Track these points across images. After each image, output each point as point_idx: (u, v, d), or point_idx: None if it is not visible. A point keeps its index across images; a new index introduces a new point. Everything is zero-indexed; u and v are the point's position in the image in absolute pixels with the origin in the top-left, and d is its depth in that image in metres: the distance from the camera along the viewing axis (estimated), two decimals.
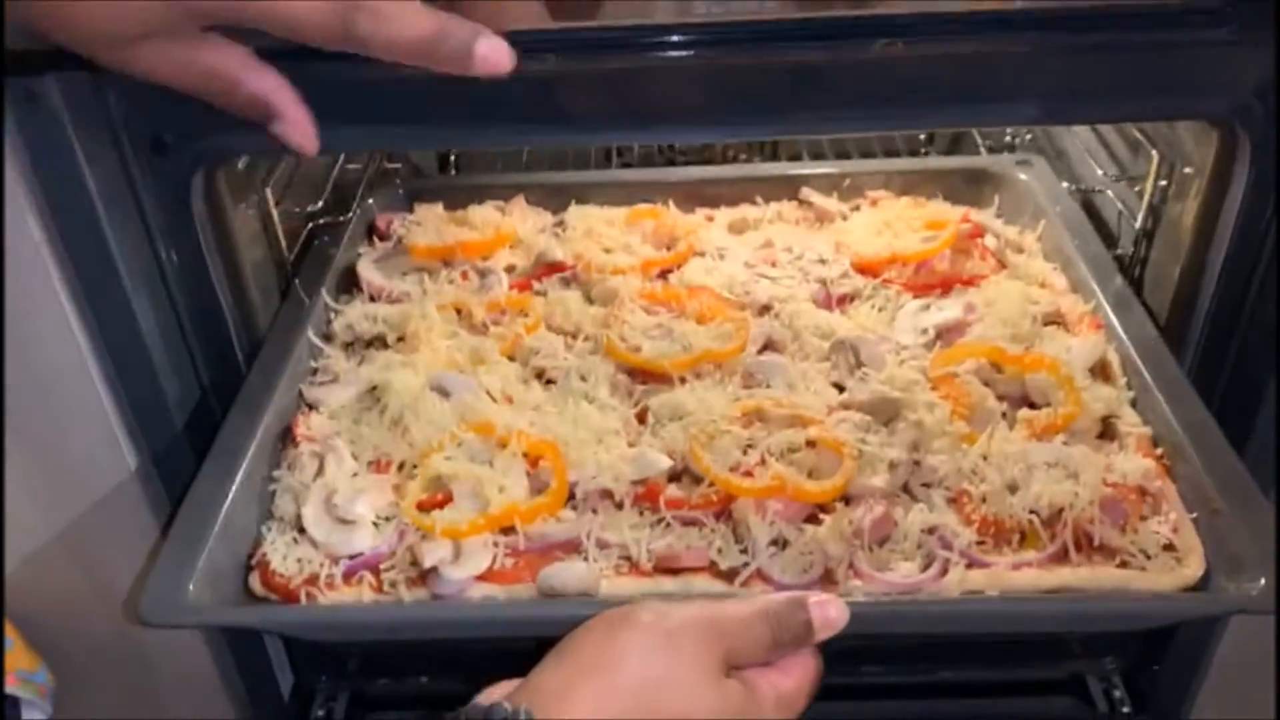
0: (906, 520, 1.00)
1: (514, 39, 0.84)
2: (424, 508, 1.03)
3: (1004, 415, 1.10)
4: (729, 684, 0.76)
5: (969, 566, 0.97)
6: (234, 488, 1.04)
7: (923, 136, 1.76)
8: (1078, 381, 1.11)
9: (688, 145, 1.70)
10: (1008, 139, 1.68)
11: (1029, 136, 1.62)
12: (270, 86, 0.87)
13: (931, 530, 1.00)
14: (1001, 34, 0.97)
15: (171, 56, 0.84)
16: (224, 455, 1.08)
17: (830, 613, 0.84)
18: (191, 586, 0.93)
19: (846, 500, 1.03)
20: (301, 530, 1.03)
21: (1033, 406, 1.12)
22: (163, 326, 1.15)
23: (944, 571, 0.97)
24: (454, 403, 1.13)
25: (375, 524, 1.03)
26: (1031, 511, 0.99)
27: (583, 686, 0.70)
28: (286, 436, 1.14)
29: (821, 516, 1.01)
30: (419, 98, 1.01)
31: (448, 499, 1.04)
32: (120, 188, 1.07)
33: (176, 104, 1.03)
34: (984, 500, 1.01)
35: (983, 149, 1.64)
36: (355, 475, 1.08)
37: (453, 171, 1.72)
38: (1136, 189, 1.30)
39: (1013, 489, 1.02)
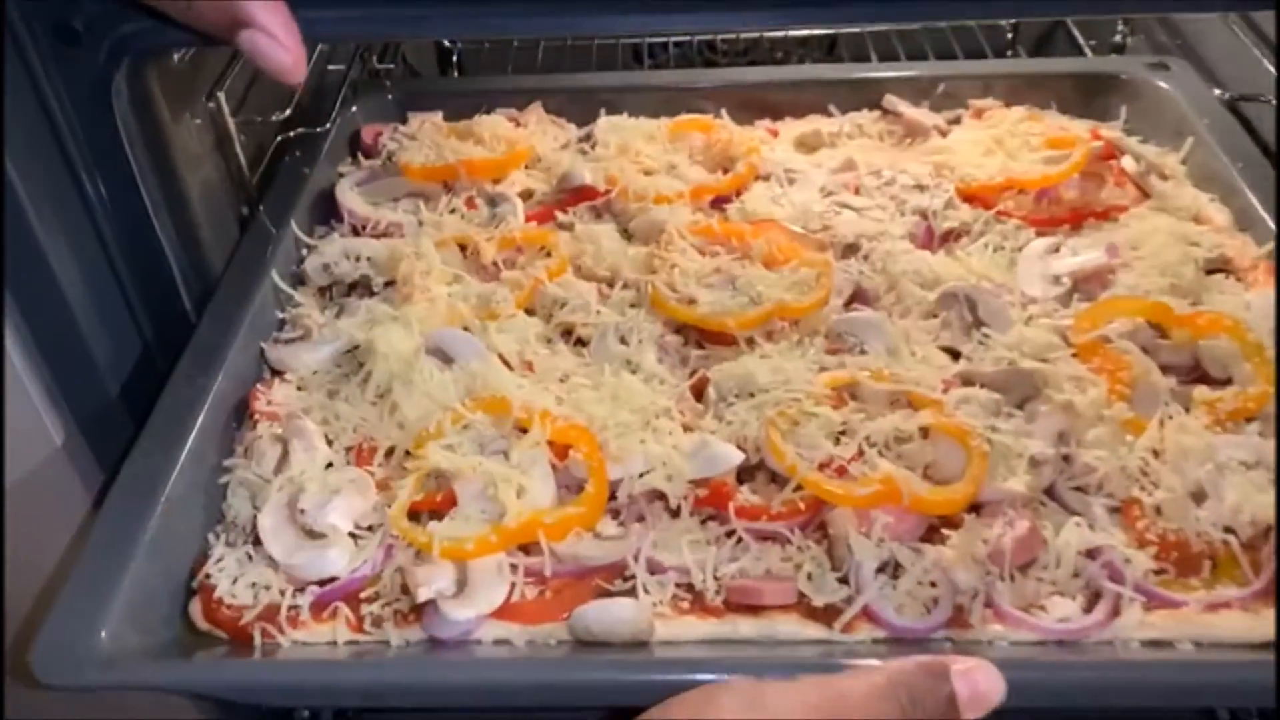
0: (1059, 539, 0.76)
1: None
2: (418, 513, 0.78)
3: (1173, 394, 0.85)
4: None
5: (1148, 606, 0.72)
6: (170, 481, 0.81)
7: (1010, 35, 1.47)
8: (1268, 349, 0.85)
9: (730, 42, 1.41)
10: (1118, 37, 1.40)
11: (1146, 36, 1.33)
12: None
13: (1093, 553, 0.75)
14: None
15: None
16: (160, 437, 0.84)
17: (980, 684, 0.61)
18: (104, 633, 0.69)
19: (976, 510, 0.78)
20: (258, 543, 0.79)
21: (1206, 381, 0.86)
22: (87, 271, 0.91)
23: (1115, 612, 0.73)
24: (457, 371, 0.88)
25: (354, 536, 0.79)
26: (1227, 530, 0.75)
27: None
28: (243, 412, 0.89)
29: (945, 532, 0.77)
30: None
31: (449, 502, 0.80)
32: (21, 92, 0.82)
33: None
34: (1159, 513, 0.77)
35: (1088, 50, 1.36)
36: (329, 467, 0.83)
37: (455, 74, 1.43)
38: None
39: (1198, 497, 0.77)
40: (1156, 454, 0.80)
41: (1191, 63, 1.22)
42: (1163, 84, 1.17)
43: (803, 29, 1.38)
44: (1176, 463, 0.79)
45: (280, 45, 0.66)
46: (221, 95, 1.02)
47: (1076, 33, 1.39)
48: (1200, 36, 1.26)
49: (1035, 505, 0.79)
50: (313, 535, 0.78)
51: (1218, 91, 1.16)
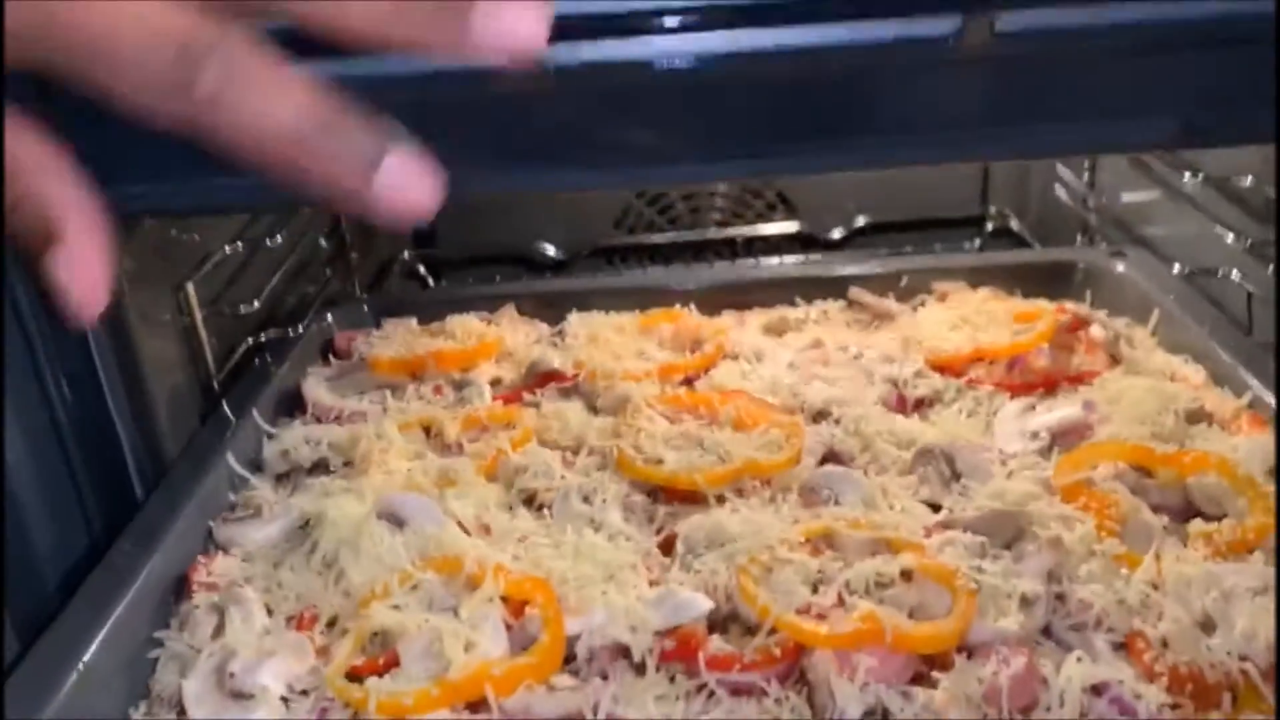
0: (1061, 676, 0.68)
1: None
2: (357, 676, 0.72)
3: (1165, 530, 0.80)
4: None
5: None
6: (90, 650, 0.73)
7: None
8: (1262, 485, 0.81)
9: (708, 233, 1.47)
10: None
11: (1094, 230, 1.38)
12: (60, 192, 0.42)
13: (1099, 690, 0.68)
14: None
15: None
16: (86, 609, 0.78)
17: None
18: None
19: (968, 654, 0.72)
20: (182, 712, 0.71)
21: (1200, 518, 0.82)
22: (40, 462, 0.87)
23: None
24: (410, 534, 0.83)
25: (284, 700, 0.71)
26: (1243, 658, 0.68)
27: None
28: (181, 587, 0.84)
29: (935, 675, 0.70)
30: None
31: (392, 663, 0.73)
32: None
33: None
34: (1166, 645, 0.70)
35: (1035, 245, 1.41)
36: (266, 634, 0.77)
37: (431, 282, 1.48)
38: (1269, 269, 1.05)
39: (1206, 627, 0.71)
40: (1156, 586, 0.74)
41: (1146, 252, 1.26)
42: (1121, 268, 1.19)
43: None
44: (1179, 593, 0.73)
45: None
46: (190, 288, 1.03)
47: (1027, 235, 1.44)
48: (1149, 226, 1.30)
49: (1032, 645, 0.72)
50: (239, 697, 0.71)
51: (1176, 268, 1.18)
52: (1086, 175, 1.43)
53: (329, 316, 1.23)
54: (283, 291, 1.23)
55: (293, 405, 1.09)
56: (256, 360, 1.15)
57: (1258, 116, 0.82)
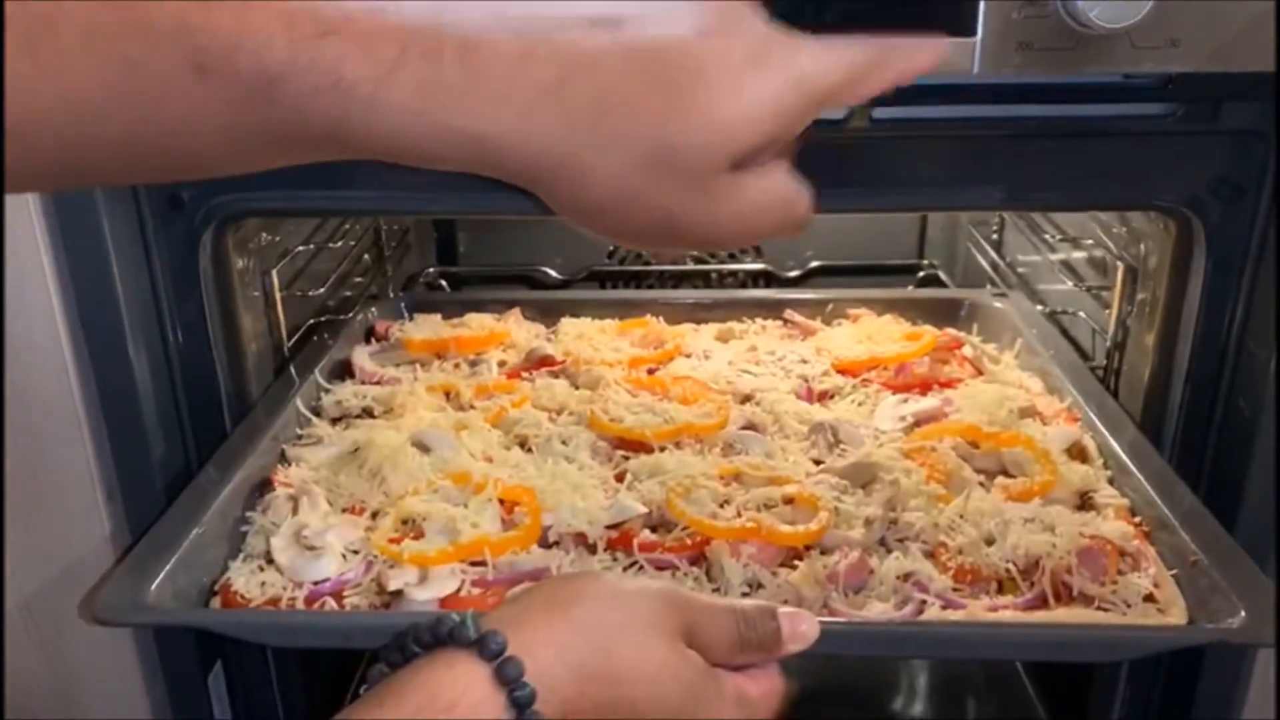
0: (882, 568, 0.99)
1: None
2: (394, 543, 1.02)
3: (981, 485, 1.11)
4: (689, 652, 0.73)
5: (945, 608, 0.95)
6: (201, 523, 1.03)
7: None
8: (1054, 458, 1.12)
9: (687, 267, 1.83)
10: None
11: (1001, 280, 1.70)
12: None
13: (907, 577, 0.98)
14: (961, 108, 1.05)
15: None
16: (194, 497, 1.08)
17: (801, 625, 0.80)
18: (153, 588, 0.92)
19: (823, 552, 1.02)
20: (270, 561, 1.02)
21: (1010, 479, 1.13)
22: (158, 386, 1.17)
23: (919, 612, 0.95)
24: (433, 458, 1.14)
25: (343, 555, 1.02)
26: (1009, 562, 0.98)
27: (537, 617, 0.67)
28: (265, 486, 1.14)
29: (797, 563, 1.00)
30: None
31: (419, 536, 1.03)
32: (134, 243, 1.13)
33: None
34: (960, 551, 1.00)
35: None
36: (329, 515, 1.07)
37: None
38: (1107, 311, 1.36)
39: (989, 542, 1.01)
40: (962, 516, 1.04)
41: (1030, 293, 1.58)
42: (1000, 305, 1.51)
43: None
44: (974, 520, 1.03)
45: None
46: (274, 273, 1.35)
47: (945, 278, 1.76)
48: (1037, 278, 1.62)
49: (868, 548, 1.02)
50: (311, 549, 1.01)
51: (1040, 308, 1.50)
52: (995, 236, 1.76)
53: (373, 309, 1.55)
54: (337, 285, 1.56)
55: (344, 371, 1.40)
56: (316, 336, 1.47)
57: (1066, 192, 1.16)
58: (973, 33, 0.96)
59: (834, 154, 1.09)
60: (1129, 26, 0.92)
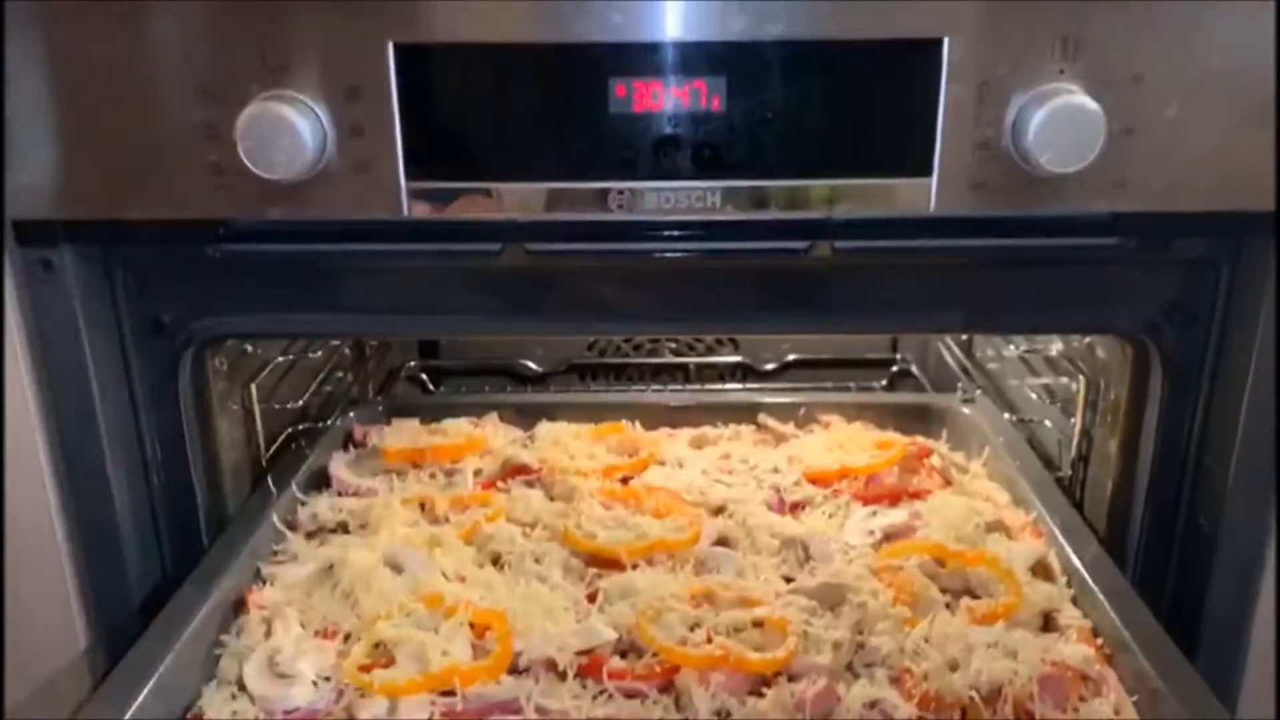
0: (849, 695, 1.00)
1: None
2: (365, 670, 1.03)
3: (947, 606, 1.12)
4: None
5: None
6: (176, 648, 1.04)
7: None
8: (1018, 577, 1.14)
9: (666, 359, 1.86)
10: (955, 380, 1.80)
11: (970, 379, 1.73)
12: None
13: (873, 704, 0.99)
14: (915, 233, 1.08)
15: None
16: (170, 620, 1.08)
17: None
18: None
19: (791, 678, 1.03)
20: (243, 688, 1.02)
21: (975, 599, 1.14)
22: (135, 503, 1.20)
23: None
24: (406, 578, 1.15)
25: (315, 683, 1.02)
26: (972, 689, 0.99)
27: None
28: (239, 606, 1.15)
29: (765, 691, 1.01)
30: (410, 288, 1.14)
31: (390, 662, 1.04)
32: (116, 366, 1.16)
33: (178, 286, 1.14)
34: (925, 678, 1.01)
35: (929, 387, 1.75)
36: (302, 639, 1.08)
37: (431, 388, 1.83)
38: (1071, 420, 1.39)
39: (954, 667, 1.02)
40: (927, 640, 1.06)
41: (999, 397, 1.61)
42: (967, 411, 1.54)
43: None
44: (939, 644, 1.05)
45: None
46: (253, 387, 1.37)
47: (922, 377, 1.78)
48: (1004, 381, 1.65)
49: (835, 674, 1.03)
50: (283, 677, 1.01)
51: (1008, 416, 1.53)
52: (965, 338, 1.80)
53: (351, 414, 1.57)
54: (315, 393, 1.58)
55: (321, 481, 1.42)
56: (294, 445, 1.48)
57: (1024, 317, 1.19)
58: (929, 173, 1.00)
59: (800, 281, 1.14)
60: (1078, 171, 0.97)
